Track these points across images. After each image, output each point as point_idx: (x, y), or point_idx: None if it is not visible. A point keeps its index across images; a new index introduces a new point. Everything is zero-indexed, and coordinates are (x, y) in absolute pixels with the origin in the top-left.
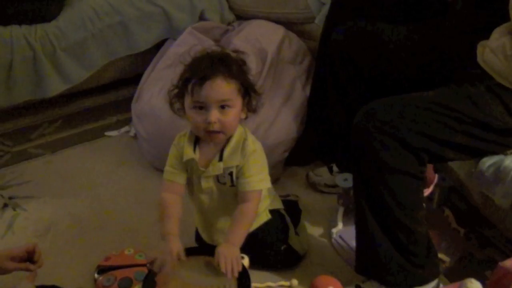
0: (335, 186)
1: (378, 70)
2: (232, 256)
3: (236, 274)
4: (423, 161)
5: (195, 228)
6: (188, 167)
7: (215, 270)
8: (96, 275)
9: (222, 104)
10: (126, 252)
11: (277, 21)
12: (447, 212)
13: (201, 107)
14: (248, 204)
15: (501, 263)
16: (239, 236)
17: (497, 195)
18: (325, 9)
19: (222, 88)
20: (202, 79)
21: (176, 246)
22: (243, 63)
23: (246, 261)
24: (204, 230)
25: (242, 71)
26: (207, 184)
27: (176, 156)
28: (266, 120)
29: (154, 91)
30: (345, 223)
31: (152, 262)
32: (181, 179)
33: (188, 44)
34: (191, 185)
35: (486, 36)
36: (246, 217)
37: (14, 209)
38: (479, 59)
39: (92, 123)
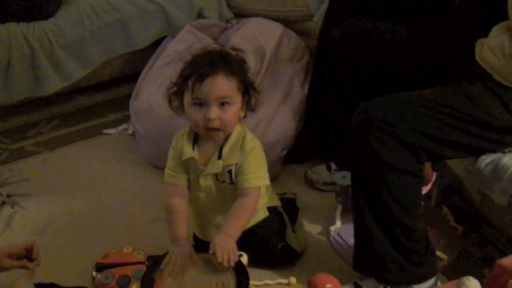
0: (333, 184)
1: (376, 68)
2: (228, 246)
3: (232, 264)
4: (421, 159)
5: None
6: (187, 166)
7: (214, 268)
8: (94, 273)
9: (222, 101)
10: (125, 250)
11: (276, 19)
12: (445, 210)
13: (201, 103)
14: (246, 199)
15: (499, 261)
16: (236, 229)
17: (495, 193)
18: (324, 7)
19: (223, 85)
20: (203, 76)
21: (189, 248)
22: (243, 62)
23: (244, 259)
24: (198, 226)
25: (242, 69)
26: (206, 182)
27: (175, 158)
28: (265, 118)
29: (152, 89)
30: (343, 221)
31: (149, 259)
32: (182, 180)
33: (186, 42)
34: (189, 183)
35: (485, 34)
36: (244, 210)
37: (12, 207)
38: (477, 57)
39: (91, 121)
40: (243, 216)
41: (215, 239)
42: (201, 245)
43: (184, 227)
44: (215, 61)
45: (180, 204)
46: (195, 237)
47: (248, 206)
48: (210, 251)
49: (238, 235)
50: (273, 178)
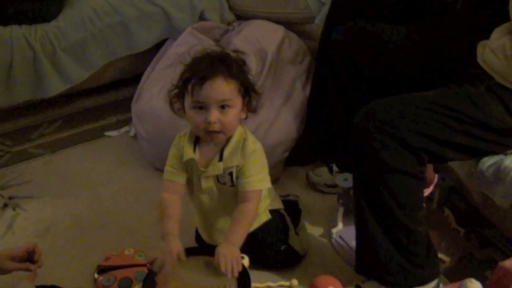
0: (335, 186)
1: (378, 70)
2: (232, 256)
3: (236, 274)
4: (423, 161)
5: (195, 228)
6: (188, 167)
7: (215, 270)
8: (96, 275)
9: (222, 104)
10: (126, 252)
11: (277, 21)
12: (447, 212)
13: (201, 107)
14: (248, 204)
15: (501, 263)
16: (239, 236)
17: (497, 195)
18: (325, 9)
19: (222, 88)
20: (202, 79)
21: (176, 246)
22: (243, 63)
23: (246, 261)
24: (204, 230)
25: (242, 71)
26: (207, 184)
27: (176, 156)
28: (266, 120)
29: (154, 91)
30: (345, 223)
31: (152, 262)
32: (181, 179)
33: (188, 44)
34: (191, 185)
35: (486, 36)
36: (246, 217)
37: (14, 209)
38: (479, 59)
39: (92, 123)
40: (245, 222)
41: (219, 249)
42: (205, 247)
43: (174, 224)
44: (214, 63)
45: (173, 200)
46: (199, 239)
47: (249, 211)
48: (215, 261)
49: (242, 242)
50: (275, 180)
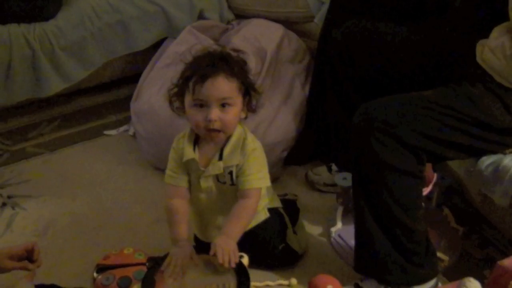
0: (334, 185)
1: (377, 69)
2: (229, 247)
3: (233, 265)
4: (422, 160)
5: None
6: (188, 167)
7: (214, 269)
8: (95, 274)
9: (223, 102)
10: (125, 251)
11: (277, 20)
12: (446, 211)
13: (202, 105)
14: (247, 200)
15: (499, 262)
16: (236, 230)
17: (496, 194)
18: (325, 8)
19: (223, 86)
20: (204, 77)
21: (190, 249)
22: (244, 63)
23: (245, 260)
24: (199, 227)
25: (243, 71)
26: (206, 183)
27: (175, 159)
28: (266, 119)
29: (153, 90)
30: (344, 222)
31: (150, 260)
32: (183, 182)
33: (187, 43)
34: (189, 184)
35: (485, 35)
36: (244, 212)
37: (13, 208)
38: (478, 58)
39: (91, 122)
40: (244, 217)
41: (216, 241)
42: (201, 246)
43: (185, 228)
44: (216, 62)
45: (181, 206)
46: (196, 239)
47: (249, 207)
48: (211, 252)
49: (239, 236)
50: (274, 179)
